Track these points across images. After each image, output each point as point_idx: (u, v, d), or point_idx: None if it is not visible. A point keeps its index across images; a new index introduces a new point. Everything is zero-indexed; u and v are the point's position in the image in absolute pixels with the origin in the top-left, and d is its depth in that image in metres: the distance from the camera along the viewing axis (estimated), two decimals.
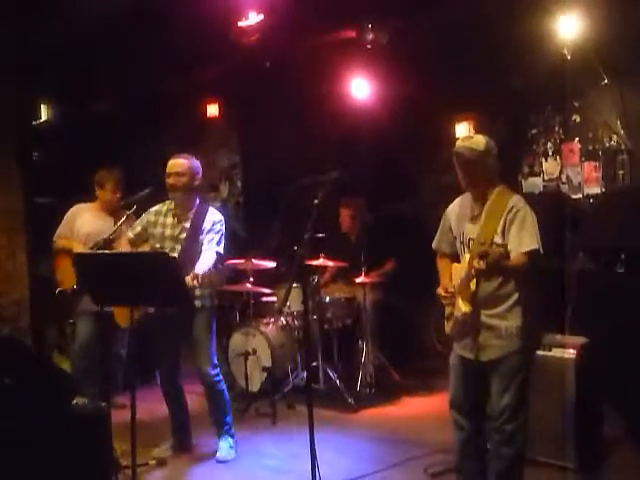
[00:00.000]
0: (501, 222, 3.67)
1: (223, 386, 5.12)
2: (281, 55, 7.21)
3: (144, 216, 4.97)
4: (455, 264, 3.91)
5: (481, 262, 3.42)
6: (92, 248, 5.23)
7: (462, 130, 6.79)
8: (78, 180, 5.96)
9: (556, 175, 6.60)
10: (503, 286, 3.73)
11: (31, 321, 6.71)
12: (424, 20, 6.44)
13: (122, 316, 5.49)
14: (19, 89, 6.61)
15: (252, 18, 6.32)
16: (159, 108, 8.42)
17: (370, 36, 6.54)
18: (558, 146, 6.58)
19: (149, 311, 4.82)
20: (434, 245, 4.11)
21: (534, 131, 6.71)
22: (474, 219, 3.82)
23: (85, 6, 6.09)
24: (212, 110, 8.70)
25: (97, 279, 3.95)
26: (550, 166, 6.64)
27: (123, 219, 5.06)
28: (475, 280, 3.66)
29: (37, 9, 6.12)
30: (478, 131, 6.19)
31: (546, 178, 6.67)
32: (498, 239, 3.67)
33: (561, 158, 6.57)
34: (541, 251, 3.65)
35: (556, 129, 6.59)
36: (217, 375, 5.06)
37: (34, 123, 7.96)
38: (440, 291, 3.91)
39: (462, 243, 3.86)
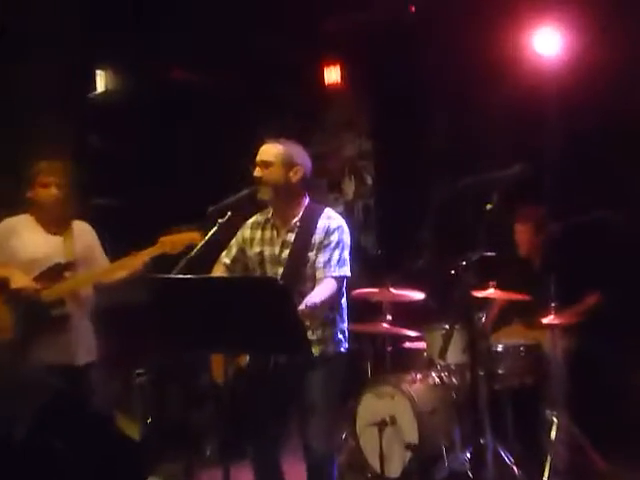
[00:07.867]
0: None
1: (335, 469, 4.57)
2: None
3: (239, 232, 4.45)
4: None
5: None
6: (37, 278, 4.57)
7: None
8: (148, 175, 5.73)
9: None
10: None
11: None
12: None
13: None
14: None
15: None
16: (258, 77, 7.50)
17: None
18: None
19: (243, 363, 4.18)
20: None
21: None
22: None
23: None
24: (332, 75, 7.68)
25: (177, 315, 3.46)
26: None
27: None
28: None
29: None
30: None
31: None
32: None
33: None
34: None
35: None
36: (332, 455, 4.52)
37: (89, 96, 7.25)
38: None
39: None
